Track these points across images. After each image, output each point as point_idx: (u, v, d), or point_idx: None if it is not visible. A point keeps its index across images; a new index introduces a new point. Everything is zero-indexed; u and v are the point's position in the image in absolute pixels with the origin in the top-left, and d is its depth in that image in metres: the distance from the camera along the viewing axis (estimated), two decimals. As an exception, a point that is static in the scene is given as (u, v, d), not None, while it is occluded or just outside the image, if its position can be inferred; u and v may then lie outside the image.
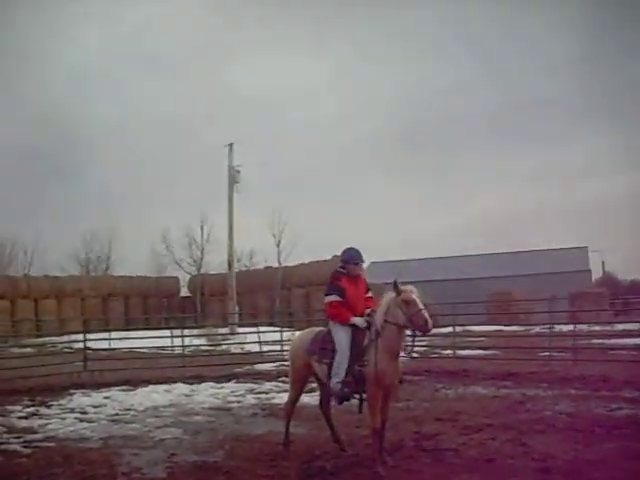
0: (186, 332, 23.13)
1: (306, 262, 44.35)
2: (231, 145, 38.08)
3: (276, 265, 45.60)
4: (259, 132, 73.56)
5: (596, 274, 56.45)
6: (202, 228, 47.26)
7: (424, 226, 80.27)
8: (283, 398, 13.17)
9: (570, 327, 20.63)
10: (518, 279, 43.37)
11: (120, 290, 46.13)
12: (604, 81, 77.63)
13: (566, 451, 7.88)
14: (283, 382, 15.88)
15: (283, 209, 46.31)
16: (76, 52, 74.43)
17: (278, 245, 45.77)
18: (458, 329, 21.61)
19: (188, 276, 49.52)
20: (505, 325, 25.87)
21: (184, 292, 50.03)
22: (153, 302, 46.93)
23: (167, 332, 24.05)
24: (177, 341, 22.48)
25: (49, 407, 12.95)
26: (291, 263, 45.29)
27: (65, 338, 25.61)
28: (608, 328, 24.30)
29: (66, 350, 22.83)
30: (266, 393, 14.16)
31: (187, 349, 22.34)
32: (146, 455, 8.66)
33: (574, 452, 7.83)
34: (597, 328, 24.21)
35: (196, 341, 25.51)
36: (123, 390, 14.95)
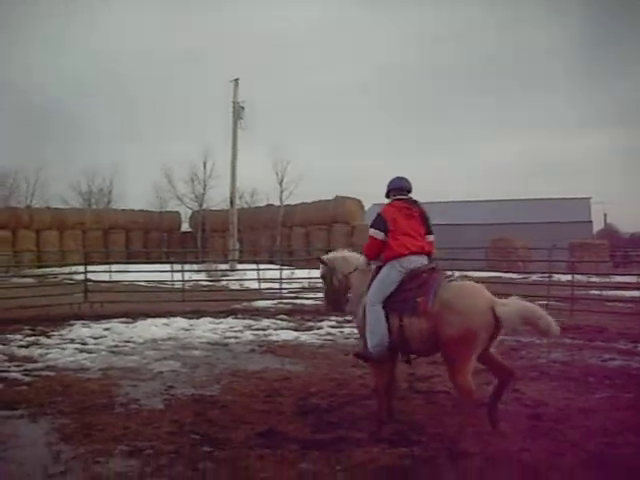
0: (186, 267, 23.26)
1: (308, 201, 44.33)
2: (236, 80, 37.79)
3: (278, 203, 45.60)
4: (265, 69, 73.02)
5: (597, 226, 56.58)
6: (205, 164, 47.22)
7: (425, 170, 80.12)
8: (280, 335, 13.36)
9: (569, 277, 20.70)
10: (519, 227, 43.38)
11: (122, 224, 46.29)
12: (608, 32, 76.66)
13: (558, 399, 7.98)
14: (281, 319, 16.05)
15: (286, 147, 46.22)
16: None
17: (280, 183, 45.74)
18: (457, 274, 21.66)
19: (190, 211, 49.65)
20: (504, 272, 25.96)
21: (185, 227, 50.22)
22: (154, 236, 47.11)
23: (167, 266, 24.19)
24: (177, 276, 22.62)
25: (49, 337, 13.08)
26: (293, 202, 45.34)
27: (66, 270, 25.73)
28: (606, 280, 24.41)
29: (67, 281, 22.97)
30: (264, 330, 14.27)
31: (187, 284, 22.48)
32: (144, 387, 8.77)
33: (566, 400, 7.92)
34: (595, 279, 24.30)
35: (196, 276, 25.68)
36: (123, 322, 15.06)
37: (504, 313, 6.23)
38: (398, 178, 7.29)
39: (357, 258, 7.43)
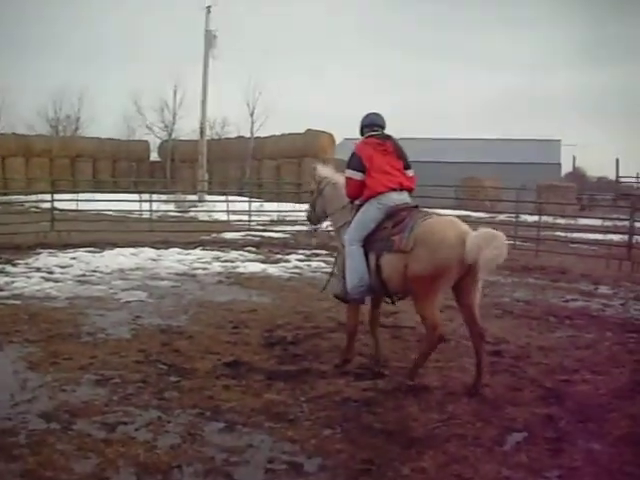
0: (155, 197, 23.08)
1: (278, 134, 43.99)
2: (209, 8, 36.92)
3: (248, 135, 45.21)
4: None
5: (566, 169, 56.90)
6: (175, 92, 46.48)
7: (397, 106, 79.59)
8: (248, 267, 13.41)
9: (535, 218, 20.92)
10: (488, 166, 43.45)
11: (89, 152, 45.53)
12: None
13: (519, 337, 8.16)
14: (249, 251, 16.10)
15: (258, 78, 45.64)
16: None
17: (252, 115, 45.30)
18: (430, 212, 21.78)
19: (159, 141, 49.03)
20: (473, 211, 26.13)
21: (154, 157, 49.56)
22: (122, 166, 46.44)
23: (136, 196, 23.99)
24: (145, 206, 22.49)
25: (15, 265, 12.97)
26: (263, 134, 44.99)
27: (32, 197, 25.44)
28: (572, 222, 24.72)
29: (33, 210, 22.74)
30: (232, 262, 14.30)
31: (155, 214, 22.36)
32: (111, 316, 8.78)
33: (527, 338, 8.10)
34: (561, 221, 24.62)
35: (164, 207, 25.52)
36: (90, 252, 14.98)
37: (469, 243, 5.84)
38: (371, 114, 7.08)
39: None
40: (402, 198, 6.61)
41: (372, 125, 6.98)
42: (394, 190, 6.56)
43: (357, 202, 6.80)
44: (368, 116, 7.06)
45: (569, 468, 4.52)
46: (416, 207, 6.68)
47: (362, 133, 7.04)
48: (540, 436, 5.05)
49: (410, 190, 6.79)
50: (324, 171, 7.49)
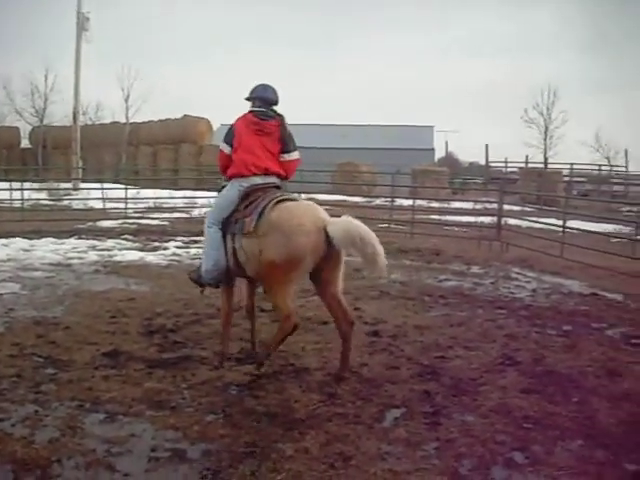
0: (26, 185, 22.25)
1: (155, 120, 43.27)
2: (80, -11, 35.71)
3: (124, 121, 44.24)
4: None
5: (439, 154, 58.60)
6: (46, 77, 44.86)
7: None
8: (125, 256, 13.17)
9: (410, 202, 21.49)
10: (364, 152, 44.19)
11: (-45, 138, 43.38)
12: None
13: (396, 317, 8.41)
14: (126, 239, 15.79)
15: (134, 62, 44.66)
16: None
17: (127, 100, 44.33)
18: (304, 196, 22.03)
19: (29, 127, 47.21)
20: (349, 196, 26.57)
21: (25, 144, 47.66)
22: (-9, 152, 44.47)
23: (6, 184, 23.04)
24: (16, 194, 21.61)
25: None
26: (139, 120, 44.13)
27: None
28: (445, 205, 25.56)
29: None
30: (109, 250, 14.00)
31: (27, 203, 21.56)
32: (-18, 310, 8.45)
33: (403, 318, 8.36)
34: (435, 204, 25.39)
35: (36, 195, 24.59)
36: (-45, 243, 14.31)
37: (332, 232, 5.73)
38: (262, 86, 6.53)
39: None
40: (267, 181, 6.30)
41: (258, 99, 6.47)
42: (257, 175, 6.26)
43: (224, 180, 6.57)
44: (257, 87, 6.51)
45: (446, 440, 4.73)
46: (277, 187, 6.38)
47: (253, 105, 6.52)
48: (418, 411, 5.25)
49: (280, 176, 6.44)
50: None
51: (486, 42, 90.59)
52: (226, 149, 6.46)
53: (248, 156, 6.25)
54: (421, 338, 7.44)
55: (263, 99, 6.45)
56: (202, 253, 6.56)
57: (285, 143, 6.42)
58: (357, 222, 5.81)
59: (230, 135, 6.43)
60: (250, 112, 6.43)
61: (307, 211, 5.96)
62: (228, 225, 6.18)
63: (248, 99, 6.54)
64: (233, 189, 6.30)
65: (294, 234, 5.71)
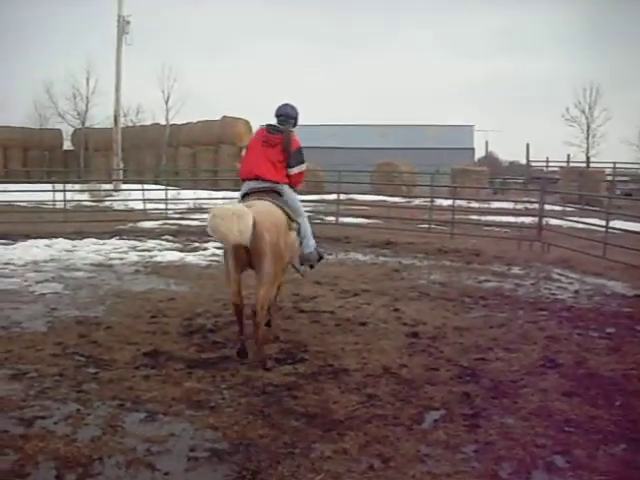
0: (68, 187, 22.56)
1: (194, 121, 43.58)
2: (121, -7, 36.15)
3: (164, 122, 44.64)
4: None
5: (479, 153, 58.14)
6: (88, 79, 45.43)
7: (315, 91, 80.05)
8: (165, 256, 13.28)
9: (450, 202, 21.36)
10: (404, 152, 43.96)
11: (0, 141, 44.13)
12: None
13: (435, 318, 8.36)
14: (166, 240, 15.93)
15: (174, 64, 45.05)
16: None
17: (167, 102, 44.74)
18: (342, 197, 22.04)
19: (72, 129, 47.87)
20: (389, 196, 26.48)
21: (67, 146, 48.35)
22: (34, 155, 45.11)
23: (49, 186, 23.39)
24: (59, 196, 21.89)
25: None
26: (179, 121, 44.49)
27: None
28: (485, 205, 25.34)
29: (-60, 200, 21.90)
30: (149, 251, 14.13)
31: (69, 204, 21.86)
32: (26, 309, 8.55)
33: (443, 319, 8.31)
34: (475, 204, 25.20)
35: (78, 196, 24.95)
36: (2, 244, 14.52)
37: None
38: (283, 105, 7.51)
39: None
40: (262, 186, 7.04)
41: (278, 115, 7.44)
42: (251, 180, 7.10)
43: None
44: (280, 107, 7.49)
45: (485, 443, 4.69)
46: (275, 192, 7.05)
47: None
48: (457, 413, 5.21)
49: (280, 182, 7.10)
50: None
51: (528, 37, 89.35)
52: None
53: (252, 164, 7.15)
54: (461, 339, 7.38)
55: (282, 114, 7.43)
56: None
57: (288, 156, 7.19)
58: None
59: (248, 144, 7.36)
60: (265, 126, 7.37)
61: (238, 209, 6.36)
62: None
63: (276, 117, 7.45)
64: (241, 191, 7.25)
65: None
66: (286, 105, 7.52)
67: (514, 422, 5.07)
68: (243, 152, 7.51)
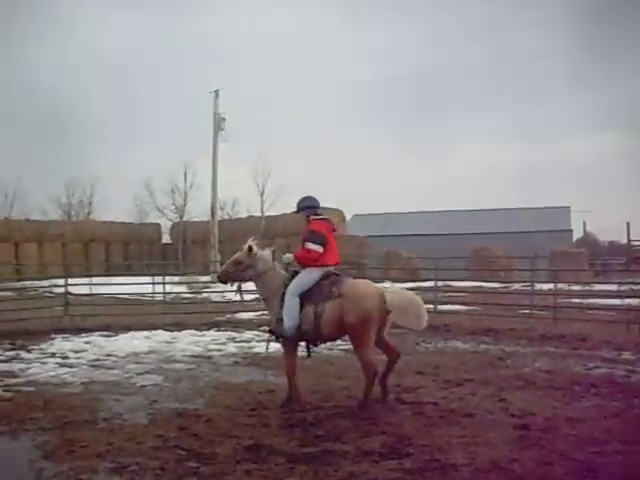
0: (167, 279, 23.09)
1: (289, 212, 44.29)
2: (217, 92, 37.75)
3: (259, 214, 45.58)
4: (246, 80, 73.05)
5: (577, 234, 56.81)
6: (185, 175, 47.18)
7: (407, 179, 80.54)
8: (263, 347, 13.22)
9: (550, 286, 20.76)
10: (500, 236, 43.39)
11: (102, 235, 45.95)
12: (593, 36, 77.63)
13: (545, 408, 7.96)
14: (264, 331, 15.90)
15: (267, 158, 46.32)
16: None
17: (262, 194, 45.81)
18: (440, 284, 21.71)
19: (170, 223, 49.49)
20: (486, 282, 25.98)
21: (166, 239, 49.96)
22: (134, 248, 46.79)
23: (148, 279, 23.97)
24: (158, 288, 22.42)
25: (30, 351, 12.91)
26: (274, 213, 45.34)
27: (46, 282, 25.44)
28: (587, 288, 24.50)
29: (47, 295, 22.72)
30: (247, 342, 14.19)
31: (168, 296, 22.31)
32: (127, 401, 8.65)
33: (553, 409, 7.90)
34: (577, 287, 24.39)
35: (177, 288, 25.48)
36: (104, 336, 14.91)
37: (389, 298, 7.90)
38: (308, 197, 8.65)
39: (269, 260, 8.83)
40: (334, 269, 8.49)
41: (312, 207, 8.60)
42: (332, 265, 8.47)
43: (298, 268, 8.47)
44: (307, 199, 8.66)
45: None
46: (337, 273, 8.48)
47: (299, 210, 8.68)
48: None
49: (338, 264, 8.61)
50: (262, 252, 8.98)
51: (615, 112, 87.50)
52: (320, 249, 8.26)
53: (331, 251, 8.41)
54: (574, 431, 6.96)
55: (314, 207, 8.63)
56: (284, 314, 8.19)
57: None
58: (408, 292, 8.50)
59: (320, 238, 8.28)
60: (320, 218, 8.52)
61: (368, 284, 8.40)
62: (310, 295, 8.14)
63: (303, 208, 8.63)
64: (316, 272, 8.25)
65: (363, 299, 7.90)
66: (311, 198, 8.65)
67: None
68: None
